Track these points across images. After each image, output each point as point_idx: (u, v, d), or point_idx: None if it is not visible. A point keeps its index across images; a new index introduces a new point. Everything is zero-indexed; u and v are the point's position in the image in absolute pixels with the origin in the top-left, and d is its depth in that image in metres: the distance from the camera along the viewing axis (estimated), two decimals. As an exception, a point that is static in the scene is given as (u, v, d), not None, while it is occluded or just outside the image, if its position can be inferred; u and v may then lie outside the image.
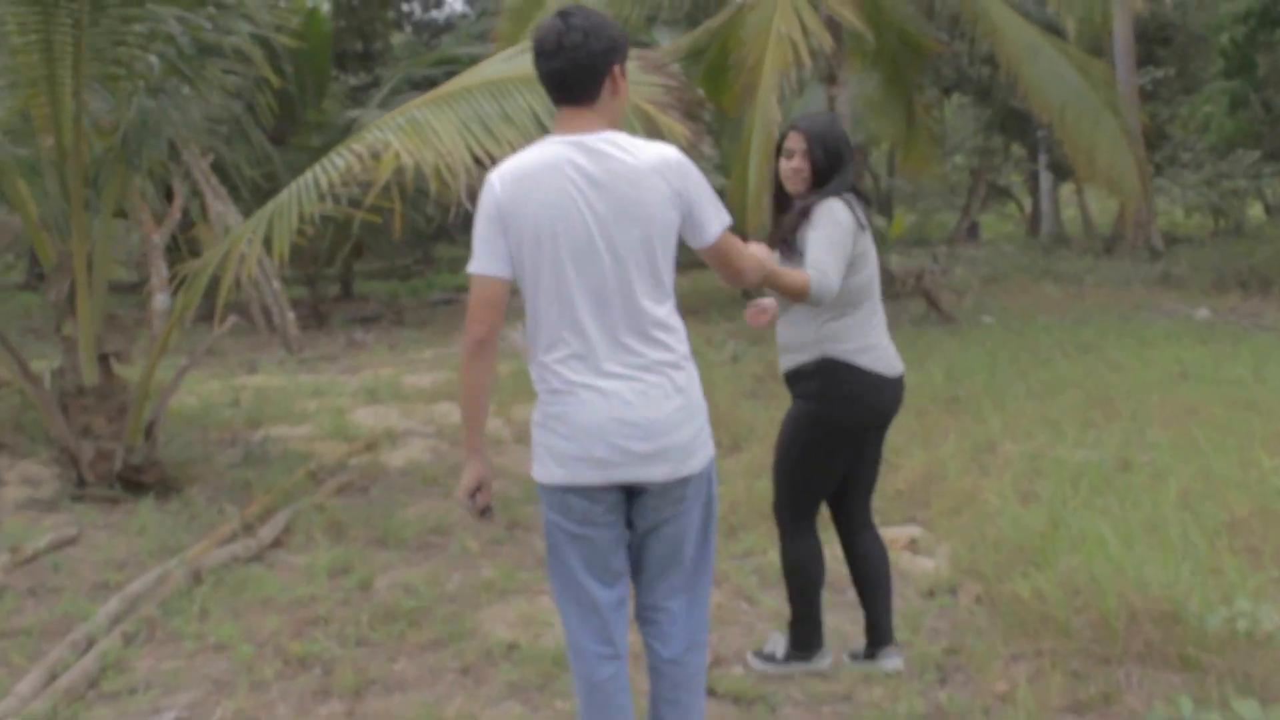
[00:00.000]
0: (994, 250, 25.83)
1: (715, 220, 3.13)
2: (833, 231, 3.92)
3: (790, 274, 3.80)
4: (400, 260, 23.32)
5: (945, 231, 32.26)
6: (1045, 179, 29.10)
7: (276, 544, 6.10)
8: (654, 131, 5.87)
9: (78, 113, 6.62)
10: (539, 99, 6.17)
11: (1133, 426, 7.53)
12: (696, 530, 3.22)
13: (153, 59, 6.87)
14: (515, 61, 6.55)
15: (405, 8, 28.23)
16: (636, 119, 5.91)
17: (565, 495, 3.10)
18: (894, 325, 12.71)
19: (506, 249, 3.04)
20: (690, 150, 5.96)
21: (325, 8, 23.96)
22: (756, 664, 4.41)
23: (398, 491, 7.13)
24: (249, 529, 6.23)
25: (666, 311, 3.08)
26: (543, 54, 3.05)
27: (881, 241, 19.69)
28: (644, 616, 3.30)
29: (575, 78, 3.03)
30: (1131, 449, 6.90)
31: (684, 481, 3.10)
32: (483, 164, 5.92)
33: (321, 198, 5.97)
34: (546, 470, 3.11)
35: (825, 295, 3.84)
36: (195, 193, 14.27)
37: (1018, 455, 6.87)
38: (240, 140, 17.42)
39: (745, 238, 3.88)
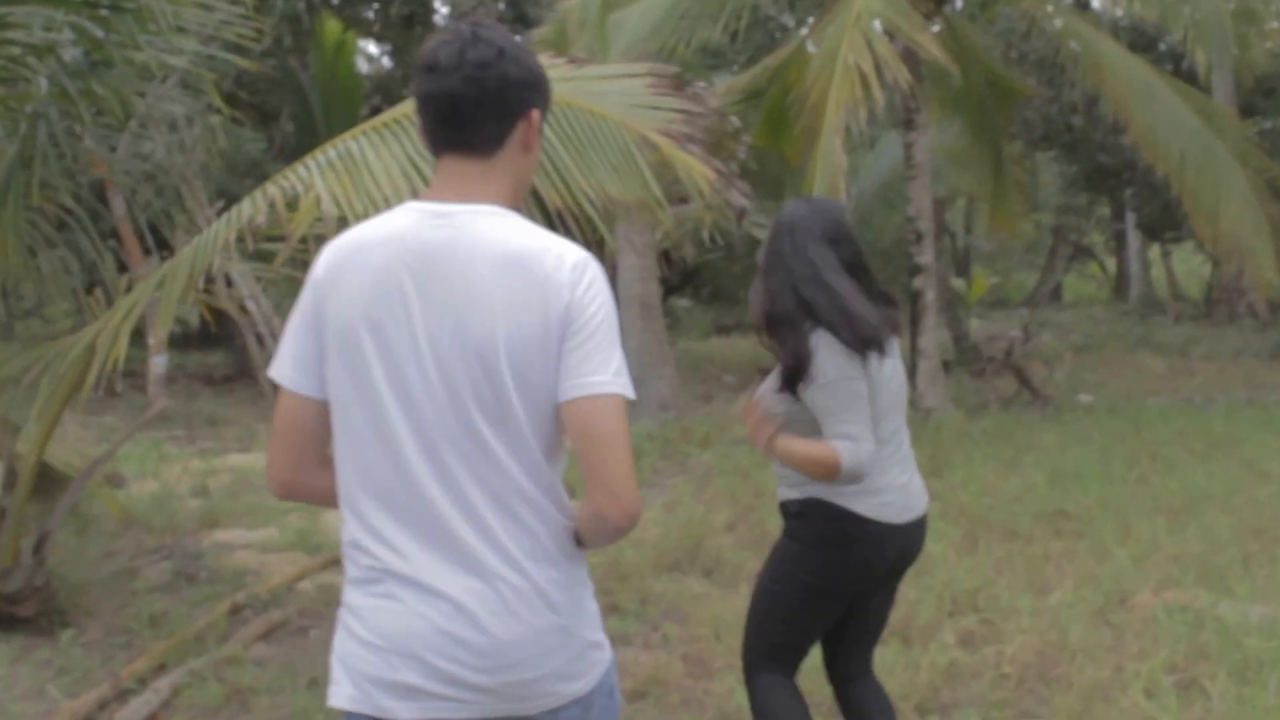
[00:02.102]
0: (1081, 314, 24.06)
1: (603, 368, 1.97)
2: (835, 389, 2.99)
3: (808, 447, 3.01)
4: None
5: (1024, 293, 30.61)
6: (1134, 238, 27.15)
7: (152, 724, 4.50)
8: (665, 170, 4.19)
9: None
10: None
11: (1309, 569, 5.72)
12: None
13: (43, 78, 5.38)
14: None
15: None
16: (639, 153, 4.18)
17: None
18: (982, 408, 10.94)
19: (319, 355, 2.04)
20: (719, 200, 4.33)
21: (372, 48, 22.87)
22: None
23: (340, 638, 5.48)
24: (120, 698, 4.64)
25: (535, 476, 2.00)
26: (432, 70, 2.00)
27: (961, 304, 18.04)
28: None
29: (474, 107, 1.99)
30: (1322, 610, 5.10)
31: (550, 715, 2.05)
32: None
33: (214, 253, 4.39)
34: (335, 685, 2.05)
35: (863, 466, 2.97)
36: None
37: (1162, 614, 5.09)
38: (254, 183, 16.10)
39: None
